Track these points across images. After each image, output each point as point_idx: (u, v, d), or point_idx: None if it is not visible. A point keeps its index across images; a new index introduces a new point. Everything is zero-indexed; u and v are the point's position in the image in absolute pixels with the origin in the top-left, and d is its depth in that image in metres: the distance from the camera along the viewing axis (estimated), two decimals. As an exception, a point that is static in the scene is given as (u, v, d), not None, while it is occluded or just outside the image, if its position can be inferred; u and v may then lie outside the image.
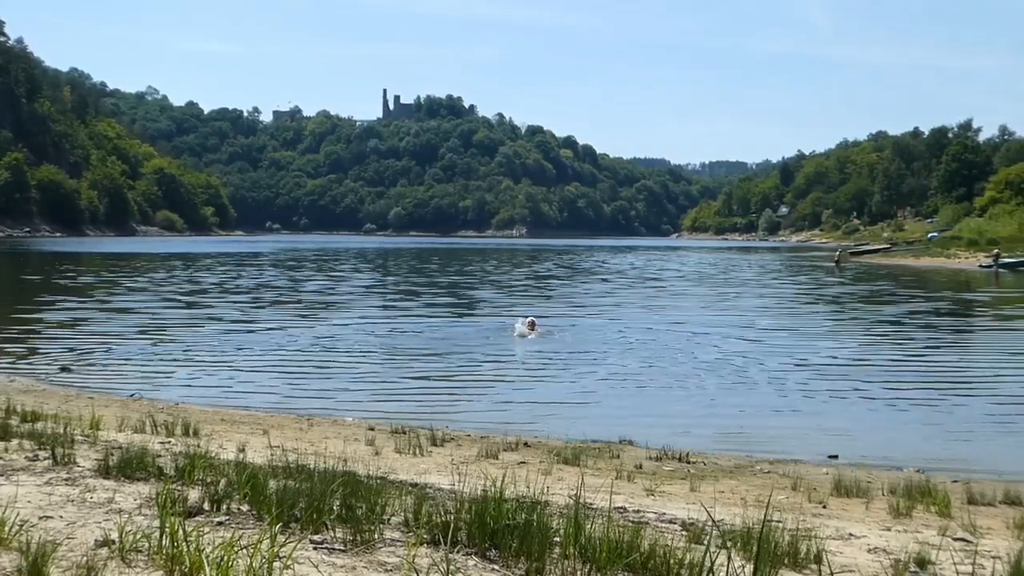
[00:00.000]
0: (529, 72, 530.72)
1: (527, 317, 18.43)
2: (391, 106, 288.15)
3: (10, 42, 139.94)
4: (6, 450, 5.14)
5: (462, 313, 24.01)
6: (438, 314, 23.54)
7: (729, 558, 2.97)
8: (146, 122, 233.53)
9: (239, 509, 3.71)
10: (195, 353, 15.51)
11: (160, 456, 5.08)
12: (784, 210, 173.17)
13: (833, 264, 57.09)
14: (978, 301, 30.63)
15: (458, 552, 3.21)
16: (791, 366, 14.58)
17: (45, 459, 4.84)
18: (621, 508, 5.06)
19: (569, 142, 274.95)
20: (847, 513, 6.09)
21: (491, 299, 28.71)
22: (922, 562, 4.10)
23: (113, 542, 3.07)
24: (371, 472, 5.25)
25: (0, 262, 53.69)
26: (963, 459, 8.40)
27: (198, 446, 5.73)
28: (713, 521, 3.91)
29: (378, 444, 8.19)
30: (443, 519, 3.39)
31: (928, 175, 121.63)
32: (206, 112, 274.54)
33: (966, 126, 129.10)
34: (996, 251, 51.84)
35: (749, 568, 3.22)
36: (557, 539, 3.31)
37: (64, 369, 13.35)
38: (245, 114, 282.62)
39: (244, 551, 2.88)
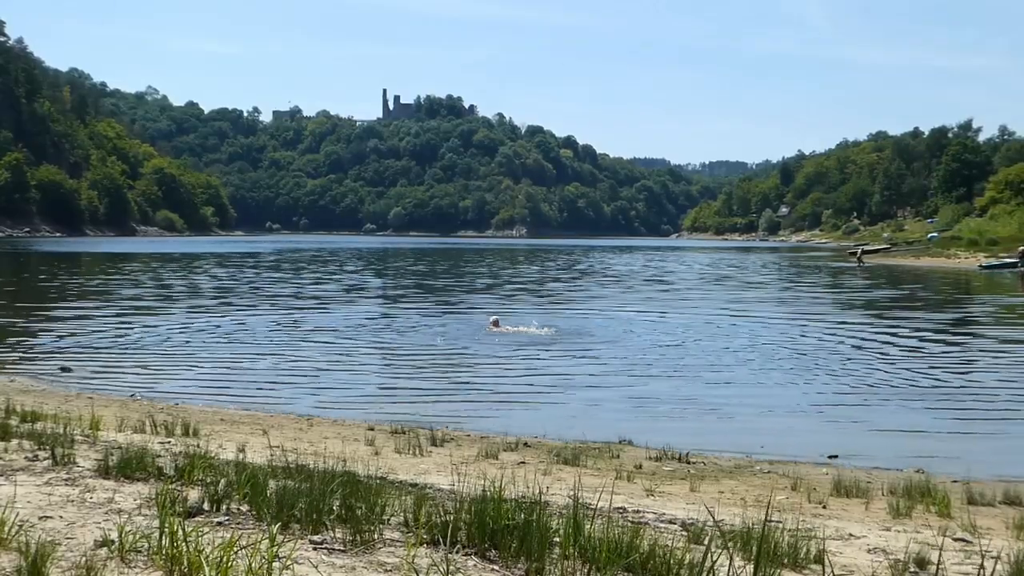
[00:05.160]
0: (529, 72, 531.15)
1: (494, 315, 19.50)
2: (391, 106, 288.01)
3: (10, 42, 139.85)
4: (6, 450, 5.13)
5: (463, 313, 23.99)
6: (439, 314, 23.53)
7: (730, 559, 2.97)
8: (146, 122, 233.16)
9: (239, 509, 3.71)
10: (194, 353, 15.52)
11: (160, 456, 5.07)
12: (784, 210, 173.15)
13: (855, 263, 55.64)
14: (1017, 306, 29.08)
15: (458, 552, 3.21)
16: (794, 366, 14.59)
17: (45, 459, 4.83)
18: (621, 508, 5.06)
19: (569, 142, 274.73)
20: (847, 513, 6.09)
21: (491, 299, 28.69)
22: (922, 562, 4.09)
23: (113, 542, 3.07)
24: (371, 472, 5.25)
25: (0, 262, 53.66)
26: (963, 459, 8.40)
27: (198, 446, 5.72)
28: (715, 521, 3.91)
29: (378, 444, 8.19)
30: (443, 519, 3.39)
31: (928, 175, 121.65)
32: (206, 112, 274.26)
33: (966, 126, 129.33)
34: (1023, 248, 46.80)
35: (749, 568, 3.22)
36: (557, 539, 3.31)
37: (64, 369, 13.35)
38: (245, 114, 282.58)
39: (244, 551, 2.88)
